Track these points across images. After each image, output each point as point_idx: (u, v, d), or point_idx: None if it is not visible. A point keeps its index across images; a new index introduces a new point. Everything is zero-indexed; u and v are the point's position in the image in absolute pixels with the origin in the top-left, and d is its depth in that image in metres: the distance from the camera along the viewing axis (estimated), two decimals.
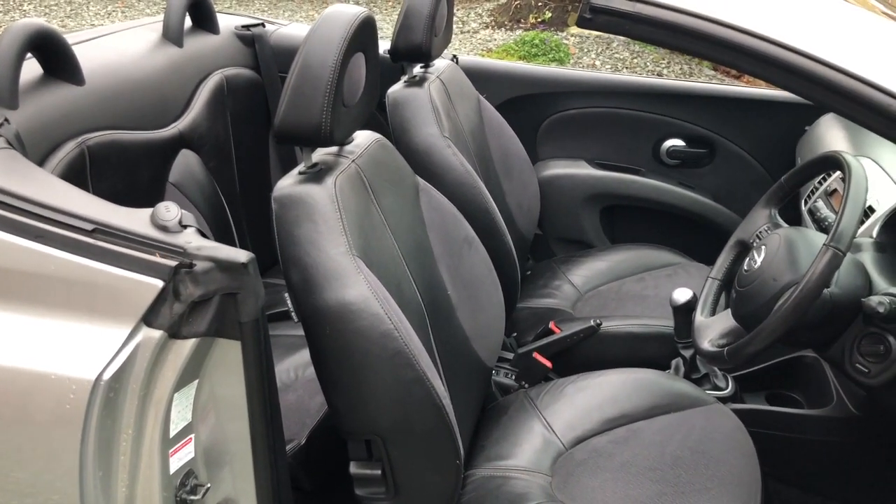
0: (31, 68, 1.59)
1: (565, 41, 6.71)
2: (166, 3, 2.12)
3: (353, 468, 1.32)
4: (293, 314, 1.31)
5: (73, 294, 1.02)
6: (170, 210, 1.06)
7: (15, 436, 1.04)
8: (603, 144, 2.58)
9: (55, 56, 1.62)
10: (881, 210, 1.75)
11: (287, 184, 1.30)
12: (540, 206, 2.48)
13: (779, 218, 1.73)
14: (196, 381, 1.07)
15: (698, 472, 1.48)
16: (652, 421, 1.61)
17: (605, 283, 2.28)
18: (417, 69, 2.05)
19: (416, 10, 1.92)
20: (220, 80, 2.14)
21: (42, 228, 1.03)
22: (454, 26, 2.39)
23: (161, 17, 2.12)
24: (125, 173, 1.73)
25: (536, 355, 1.99)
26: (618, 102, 2.54)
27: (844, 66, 1.20)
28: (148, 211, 1.06)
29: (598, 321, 2.00)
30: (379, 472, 1.31)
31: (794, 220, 1.96)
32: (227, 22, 2.37)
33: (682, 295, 1.83)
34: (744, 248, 1.75)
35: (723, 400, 1.77)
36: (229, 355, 1.07)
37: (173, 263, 1.00)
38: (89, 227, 1.03)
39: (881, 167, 1.90)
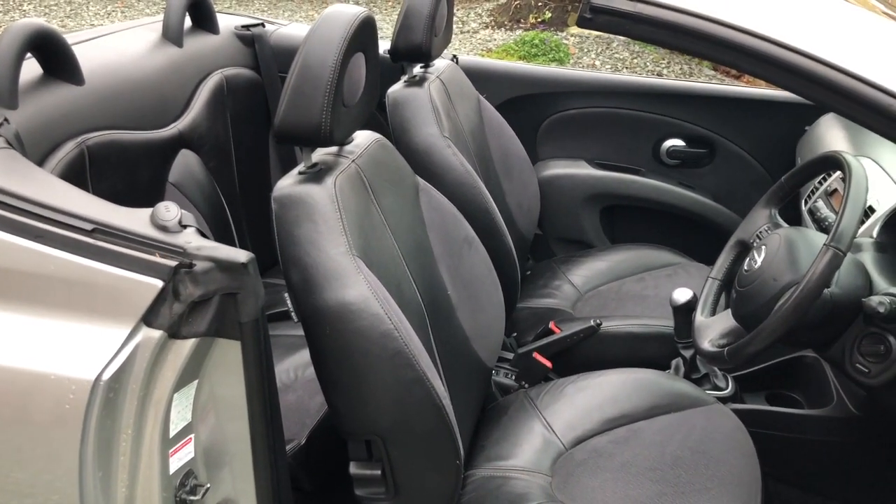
0: (31, 68, 1.59)
1: (565, 41, 6.71)
2: (166, 3, 2.12)
3: (353, 468, 1.32)
4: (293, 314, 1.31)
5: (73, 294, 1.02)
6: (170, 210, 1.05)
7: (15, 436, 1.04)
8: (603, 144, 2.58)
9: (55, 56, 1.62)
10: (881, 210, 1.75)
11: (287, 184, 1.30)
12: (540, 206, 2.48)
13: (779, 218, 1.73)
14: (196, 382, 1.06)
15: (698, 472, 1.48)
16: (652, 421, 1.61)
17: (605, 283, 2.28)
18: (417, 69, 2.05)
19: (416, 10, 1.92)
20: (219, 80, 2.14)
21: (42, 228, 1.03)
22: (454, 26, 2.39)
23: (161, 17, 2.12)
24: (125, 173, 1.73)
25: (536, 355, 1.99)
26: (618, 102, 2.54)
27: (845, 66, 1.20)
28: (148, 211, 1.06)
29: (598, 321, 2.00)
30: (379, 472, 1.31)
31: (795, 220, 1.96)
32: (227, 22, 2.37)
33: (682, 295, 1.83)
34: (744, 248, 1.75)
35: (723, 400, 1.77)
36: (229, 355, 1.07)
37: (173, 263, 1.00)
38: (89, 227, 1.03)
39: (881, 167, 1.90)
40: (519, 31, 7.08)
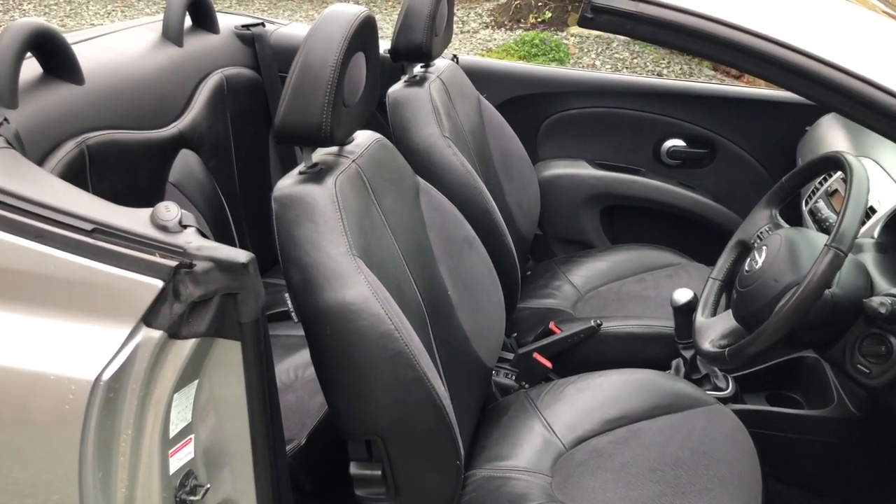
0: (31, 68, 1.59)
1: (565, 41, 6.71)
2: (166, 2, 2.12)
3: (353, 469, 1.32)
4: (293, 314, 1.31)
5: (73, 294, 1.02)
6: (170, 210, 1.05)
7: (14, 436, 1.04)
8: (603, 144, 2.58)
9: (55, 55, 1.61)
10: (882, 211, 1.74)
11: (287, 184, 1.30)
12: (540, 206, 2.47)
13: (780, 218, 1.72)
14: (196, 382, 1.06)
15: (699, 472, 1.47)
16: (652, 421, 1.61)
17: (606, 284, 2.28)
18: (418, 69, 2.05)
19: (416, 9, 1.92)
20: (219, 80, 2.13)
21: (42, 228, 1.03)
22: (454, 26, 2.38)
23: (161, 16, 2.12)
24: (125, 173, 1.72)
25: (537, 356, 1.99)
26: (618, 102, 2.53)
27: (846, 66, 1.20)
28: (148, 211, 1.06)
29: (598, 321, 2.00)
30: (379, 472, 1.30)
31: (795, 220, 1.96)
32: (227, 21, 2.36)
33: (682, 295, 1.83)
34: (745, 249, 1.75)
35: (723, 400, 1.76)
36: (229, 355, 1.06)
37: (173, 263, 1.00)
38: (89, 227, 1.03)
39: (882, 168, 1.89)
40: (519, 31, 7.08)
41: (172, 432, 1.04)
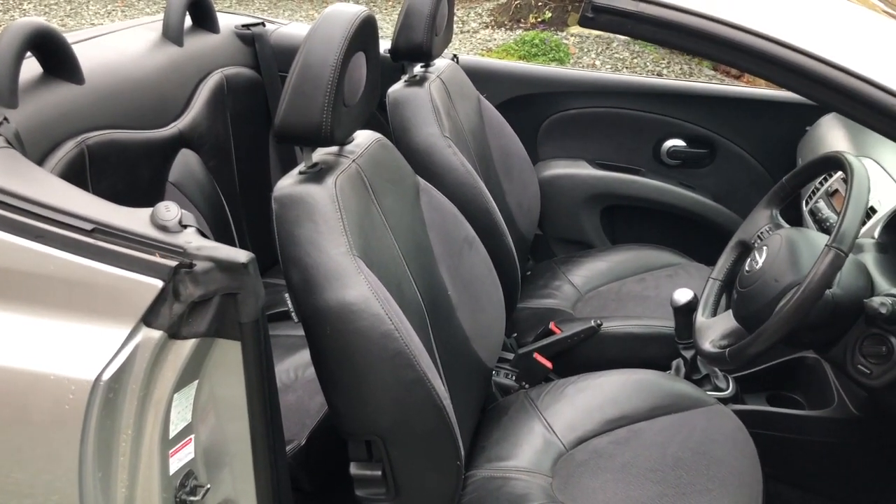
0: (31, 67, 1.59)
1: (565, 41, 6.71)
2: (166, 2, 2.12)
3: (354, 469, 1.32)
4: (293, 314, 1.30)
5: (73, 294, 1.02)
6: (170, 210, 1.05)
7: (14, 436, 1.04)
8: (603, 144, 2.58)
9: (55, 55, 1.61)
10: (883, 211, 1.74)
11: (287, 183, 1.30)
12: (540, 206, 2.47)
13: (780, 218, 1.72)
14: (196, 382, 1.06)
15: (699, 473, 1.47)
16: (653, 422, 1.61)
17: (606, 284, 2.28)
18: (418, 69, 2.05)
19: (416, 9, 1.92)
20: (220, 80, 2.13)
21: (42, 228, 1.03)
22: (454, 26, 2.38)
23: (161, 16, 2.12)
24: (125, 173, 1.72)
25: (537, 356, 1.99)
26: (618, 102, 2.53)
27: (846, 65, 1.20)
28: (148, 211, 1.06)
29: (598, 322, 2.00)
30: (379, 472, 1.30)
31: (796, 220, 1.95)
32: (227, 21, 2.36)
33: (682, 295, 1.82)
34: (745, 249, 1.74)
35: (724, 401, 1.76)
36: (229, 356, 1.06)
37: (173, 263, 1.00)
38: (89, 226, 1.03)
39: (883, 168, 1.89)
40: (519, 31, 7.08)
41: (172, 432, 1.04)
